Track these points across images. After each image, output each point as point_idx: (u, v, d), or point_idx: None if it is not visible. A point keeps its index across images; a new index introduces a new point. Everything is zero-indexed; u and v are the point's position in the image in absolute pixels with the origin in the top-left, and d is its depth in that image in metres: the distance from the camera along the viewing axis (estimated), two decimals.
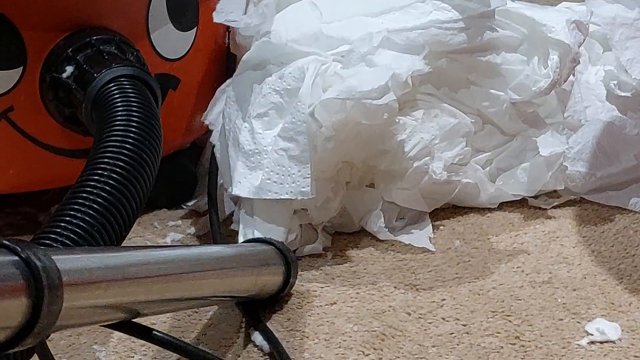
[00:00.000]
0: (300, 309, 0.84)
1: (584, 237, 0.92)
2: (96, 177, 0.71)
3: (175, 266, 0.67)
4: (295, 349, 0.78)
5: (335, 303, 0.84)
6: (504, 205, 0.99)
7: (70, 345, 0.80)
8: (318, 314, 0.83)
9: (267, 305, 0.83)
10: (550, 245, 0.91)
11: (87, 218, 0.68)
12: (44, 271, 0.49)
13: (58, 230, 0.66)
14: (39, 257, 0.49)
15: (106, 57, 0.86)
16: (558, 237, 0.92)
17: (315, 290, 0.86)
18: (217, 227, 0.93)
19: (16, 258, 0.48)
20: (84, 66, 0.86)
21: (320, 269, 0.90)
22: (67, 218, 0.67)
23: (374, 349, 0.77)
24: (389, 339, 0.78)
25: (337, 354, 0.76)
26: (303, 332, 0.80)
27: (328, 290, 0.86)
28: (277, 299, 0.84)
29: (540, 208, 0.98)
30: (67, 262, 0.52)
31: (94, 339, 0.81)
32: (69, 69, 0.87)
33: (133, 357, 0.79)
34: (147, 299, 0.63)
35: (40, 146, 0.92)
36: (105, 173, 0.71)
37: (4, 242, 0.49)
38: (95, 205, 0.69)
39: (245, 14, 1.01)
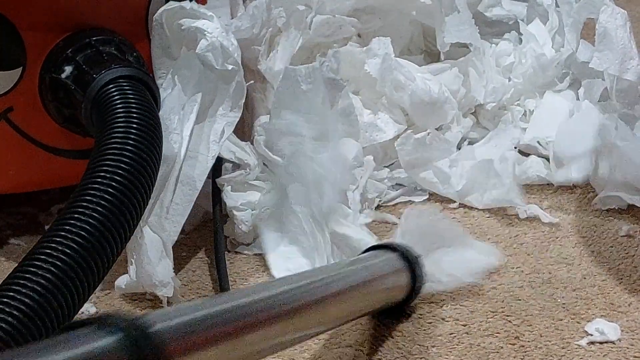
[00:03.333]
0: None
1: (583, 237, 0.92)
2: (98, 181, 0.71)
3: (296, 301, 0.62)
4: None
5: None
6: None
7: None
8: None
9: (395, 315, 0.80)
10: (550, 245, 0.91)
11: (91, 221, 0.68)
12: (149, 354, 0.47)
13: (63, 233, 0.66)
14: (142, 335, 0.47)
15: (106, 57, 0.86)
16: (558, 237, 0.93)
17: None
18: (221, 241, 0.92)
19: (120, 336, 0.46)
20: (84, 67, 0.86)
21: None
22: (72, 221, 0.67)
23: (374, 349, 0.77)
24: (389, 339, 0.78)
25: (337, 353, 0.76)
26: None
27: None
28: (404, 307, 0.80)
29: (541, 208, 0.98)
30: (171, 332, 0.50)
31: None
32: (69, 70, 0.87)
33: None
34: (266, 345, 0.59)
35: (40, 147, 0.92)
36: (107, 176, 0.71)
37: (109, 320, 0.47)
38: (99, 208, 0.69)
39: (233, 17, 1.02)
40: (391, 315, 0.80)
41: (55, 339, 0.46)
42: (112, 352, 0.45)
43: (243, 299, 0.59)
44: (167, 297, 0.84)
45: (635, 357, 0.74)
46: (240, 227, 0.93)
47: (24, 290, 0.62)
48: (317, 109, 0.96)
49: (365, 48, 1.09)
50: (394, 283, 0.78)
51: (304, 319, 0.63)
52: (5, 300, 0.61)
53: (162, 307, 0.84)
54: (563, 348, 0.75)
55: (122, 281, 0.85)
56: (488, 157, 1.01)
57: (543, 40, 1.17)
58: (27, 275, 0.63)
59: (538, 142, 1.09)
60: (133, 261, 0.83)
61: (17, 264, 0.66)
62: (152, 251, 0.83)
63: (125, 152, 0.74)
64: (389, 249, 0.80)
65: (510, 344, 0.76)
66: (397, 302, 0.79)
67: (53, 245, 0.65)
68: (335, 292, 0.68)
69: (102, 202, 0.69)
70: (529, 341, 0.77)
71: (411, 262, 0.79)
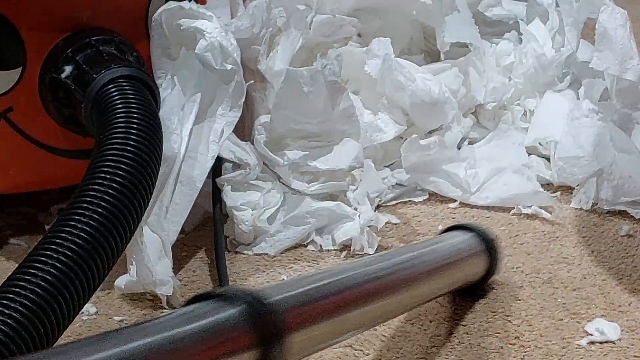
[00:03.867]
0: None
1: (584, 237, 0.92)
2: (99, 182, 0.71)
3: (393, 278, 0.67)
4: None
5: None
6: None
7: None
8: None
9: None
10: (550, 245, 0.91)
11: (92, 222, 0.68)
12: (270, 323, 0.50)
13: (63, 234, 0.66)
14: (263, 306, 0.50)
15: (106, 57, 0.86)
16: (558, 237, 0.93)
17: None
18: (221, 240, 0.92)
19: (242, 308, 0.49)
20: (84, 67, 0.86)
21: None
22: (72, 222, 0.67)
23: (374, 349, 0.77)
24: (388, 339, 0.78)
25: (337, 353, 0.76)
26: None
27: None
28: (480, 287, 0.84)
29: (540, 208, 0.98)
30: (287, 303, 0.53)
31: None
32: (69, 70, 0.87)
33: None
34: (366, 319, 0.63)
35: (40, 147, 0.92)
36: (108, 177, 0.71)
37: (230, 292, 0.50)
38: (99, 209, 0.69)
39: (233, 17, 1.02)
40: (467, 295, 0.83)
41: (182, 312, 0.49)
42: (236, 323, 0.48)
43: (353, 271, 0.63)
44: (167, 296, 0.84)
45: (635, 357, 0.74)
46: (240, 227, 0.93)
47: (24, 292, 0.62)
48: (318, 111, 0.96)
49: (365, 48, 1.09)
50: (473, 263, 0.81)
51: (407, 293, 0.69)
52: (5, 301, 0.61)
53: (162, 306, 0.84)
54: (563, 348, 0.75)
55: (121, 281, 0.85)
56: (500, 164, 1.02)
57: (543, 40, 1.17)
58: (27, 277, 0.63)
59: (539, 142, 1.09)
60: (133, 261, 0.83)
61: (17, 264, 0.66)
62: (151, 251, 0.83)
63: (125, 153, 0.74)
64: (466, 229, 0.83)
65: (510, 344, 0.76)
66: (474, 282, 0.83)
67: (54, 246, 0.65)
68: (428, 269, 0.73)
69: (103, 203, 0.69)
70: (529, 341, 0.77)
71: (488, 243, 0.82)
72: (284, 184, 0.98)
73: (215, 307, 0.49)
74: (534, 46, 1.16)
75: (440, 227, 0.96)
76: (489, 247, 0.83)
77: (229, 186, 0.95)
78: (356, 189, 0.98)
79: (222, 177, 0.95)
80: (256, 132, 0.98)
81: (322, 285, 0.59)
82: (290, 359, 0.52)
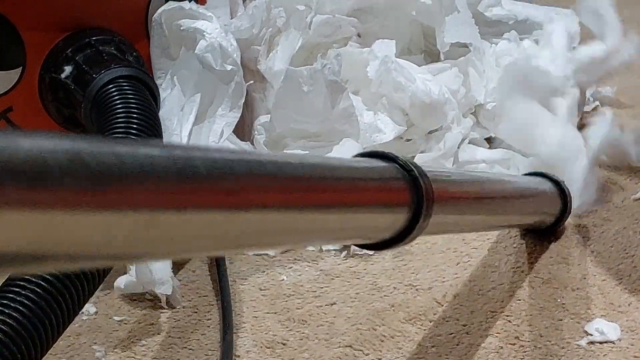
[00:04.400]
0: (301, 309, 0.84)
1: (583, 237, 0.92)
2: None
3: (495, 188, 0.76)
4: (295, 350, 0.78)
5: (335, 303, 0.84)
6: None
7: (69, 345, 0.80)
8: (318, 314, 0.83)
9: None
10: (550, 245, 0.91)
11: None
12: (425, 190, 0.56)
13: None
14: (421, 174, 0.56)
15: (105, 57, 0.86)
16: (558, 237, 0.93)
17: (315, 291, 0.86)
18: None
19: (401, 170, 0.55)
20: (83, 67, 0.86)
21: (321, 269, 0.90)
22: None
23: (374, 349, 0.77)
24: (388, 339, 0.78)
25: (337, 353, 0.76)
26: (303, 332, 0.80)
27: (328, 291, 0.86)
28: (553, 230, 0.92)
29: None
30: (437, 180, 0.59)
31: (94, 339, 0.81)
32: (68, 70, 0.87)
33: (133, 357, 0.79)
34: (476, 216, 0.72)
35: None
36: None
37: (394, 156, 0.56)
38: None
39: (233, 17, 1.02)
40: (540, 236, 0.91)
41: (354, 161, 0.55)
42: (399, 179, 0.55)
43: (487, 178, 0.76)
44: (166, 295, 0.84)
45: (635, 357, 0.74)
46: None
47: (24, 292, 0.62)
48: (318, 110, 0.96)
49: (367, 49, 1.09)
50: (549, 205, 0.90)
51: (497, 204, 0.77)
52: (5, 301, 0.61)
53: (162, 306, 0.84)
54: (563, 348, 0.75)
55: (121, 281, 0.85)
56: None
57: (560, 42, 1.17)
58: (27, 277, 0.63)
59: None
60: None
61: None
62: None
63: None
64: (544, 176, 0.91)
65: (510, 343, 0.76)
66: (546, 225, 0.91)
67: None
68: (518, 192, 0.82)
69: None
70: (529, 341, 0.77)
71: (563, 192, 0.90)
72: None
73: (377, 162, 0.56)
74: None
75: None
76: (563, 195, 0.90)
77: None
78: None
79: None
80: (256, 132, 0.98)
81: (458, 176, 0.69)
82: (424, 229, 0.57)
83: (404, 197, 0.55)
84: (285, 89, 0.95)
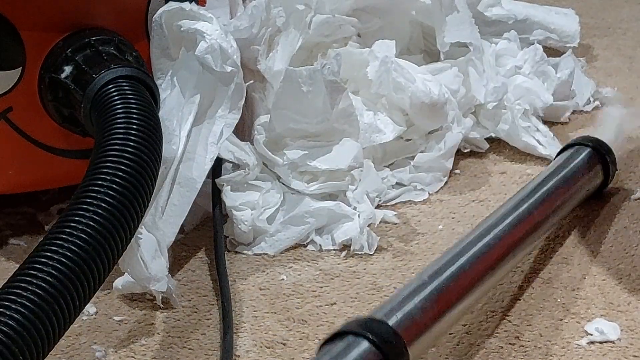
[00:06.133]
0: (300, 309, 0.84)
1: (583, 237, 0.92)
2: (99, 183, 0.71)
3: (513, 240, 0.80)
4: (296, 349, 0.78)
5: (335, 303, 0.84)
6: None
7: (69, 345, 0.80)
8: (318, 314, 0.83)
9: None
10: (550, 245, 0.91)
11: (92, 223, 0.68)
12: (394, 353, 0.62)
13: (64, 235, 0.66)
14: (388, 340, 0.62)
15: (105, 57, 0.86)
16: (557, 237, 0.93)
17: (315, 290, 0.86)
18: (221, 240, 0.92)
19: (369, 345, 0.61)
20: (83, 67, 0.86)
21: (320, 269, 0.90)
22: (73, 223, 0.67)
23: None
24: None
25: None
26: (303, 332, 0.80)
27: (328, 290, 0.86)
28: (598, 195, 0.98)
29: None
30: (404, 323, 0.65)
31: (94, 339, 0.81)
32: (68, 70, 0.87)
33: (133, 357, 0.79)
34: (487, 287, 0.76)
35: (39, 146, 0.92)
36: (108, 178, 0.71)
37: (356, 330, 0.62)
38: (100, 210, 0.69)
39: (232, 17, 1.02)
40: (589, 200, 0.96)
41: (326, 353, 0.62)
42: (370, 355, 0.61)
43: (455, 263, 0.73)
44: (164, 296, 0.84)
45: (635, 356, 0.74)
46: (239, 227, 0.93)
47: (25, 293, 0.62)
48: (317, 110, 0.96)
49: (367, 50, 1.09)
50: (591, 178, 0.95)
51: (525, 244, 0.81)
52: (7, 302, 0.61)
53: (162, 306, 0.84)
54: (563, 348, 0.75)
55: (119, 282, 0.86)
56: None
57: None
58: (29, 278, 0.63)
59: (538, 142, 1.09)
60: (126, 258, 0.83)
61: (17, 264, 0.66)
62: (146, 250, 0.83)
63: (125, 153, 0.74)
64: (582, 145, 0.96)
65: (510, 343, 0.76)
66: (593, 191, 0.96)
67: (55, 247, 0.65)
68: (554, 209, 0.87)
69: (104, 204, 0.69)
70: (529, 341, 0.77)
71: (602, 154, 0.95)
72: (283, 184, 0.98)
73: (350, 346, 0.62)
74: None
75: (440, 227, 0.96)
76: (604, 159, 0.95)
77: (229, 186, 0.95)
78: (355, 188, 0.98)
79: (222, 177, 0.95)
80: (256, 132, 0.98)
81: (431, 292, 0.69)
82: None
83: None
84: (285, 89, 0.95)
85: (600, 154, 0.95)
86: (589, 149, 0.95)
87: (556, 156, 0.98)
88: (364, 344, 0.61)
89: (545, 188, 0.87)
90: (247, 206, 0.94)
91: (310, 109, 0.96)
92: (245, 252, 0.94)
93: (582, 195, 0.94)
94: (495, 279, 0.77)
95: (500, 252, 0.77)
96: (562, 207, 0.89)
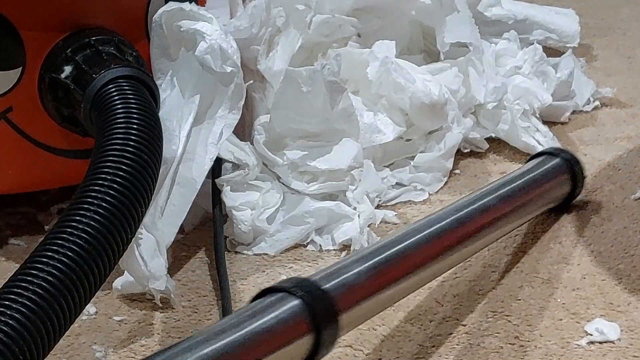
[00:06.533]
0: None
1: (583, 237, 0.92)
2: (99, 183, 0.71)
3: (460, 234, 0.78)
4: None
5: None
6: None
7: (69, 345, 0.80)
8: None
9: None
10: (550, 245, 0.91)
11: (92, 223, 0.68)
12: (324, 312, 0.61)
13: (64, 235, 0.66)
14: (318, 299, 0.61)
15: (105, 57, 0.86)
16: (558, 237, 0.93)
17: None
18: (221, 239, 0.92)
19: (299, 302, 0.61)
20: (83, 67, 0.86)
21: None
22: (74, 223, 0.67)
23: (374, 349, 0.77)
24: (388, 339, 0.78)
25: (337, 353, 0.76)
26: None
27: None
28: (564, 208, 0.95)
29: None
30: (339, 288, 0.65)
31: (94, 339, 0.81)
32: (68, 70, 0.87)
33: (133, 357, 0.79)
34: (431, 272, 0.74)
35: (39, 146, 0.92)
36: (109, 178, 0.71)
37: (297, 286, 0.61)
38: (100, 210, 0.69)
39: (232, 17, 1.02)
40: (555, 210, 0.95)
41: (248, 309, 0.60)
42: (296, 316, 0.60)
43: (402, 243, 0.72)
44: (163, 296, 0.84)
45: (635, 356, 0.74)
46: (239, 227, 0.93)
47: (26, 293, 0.62)
48: (317, 111, 0.96)
49: (367, 50, 1.09)
50: (557, 188, 0.93)
51: (473, 243, 0.79)
52: (7, 302, 0.61)
53: (162, 306, 0.84)
54: (563, 348, 0.75)
55: (119, 282, 0.86)
56: None
57: None
58: (29, 278, 0.63)
59: (538, 142, 1.09)
60: (126, 258, 0.83)
61: (17, 264, 0.66)
62: (145, 249, 0.83)
63: (126, 153, 0.74)
64: (550, 154, 0.94)
65: (510, 344, 0.76)
66: (559, 202, 0.95)
67: (55, 247, 0.65)
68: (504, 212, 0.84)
69: (104, 204, 0.69)
70: (528, 341, 0.77)
71: (571, 165, 0.94)
72: (283, 184, 0.98)
73: (277, 303, 0.61)
74: None
75: None
76: (572, 170, 0.94)
77: (228, 187, 0.95)
78: (355, 188, 0.98)
79: (221, 177, 0.95)
80: (256, 132, 0.98)
81: (374, 263, 0.68)
82: (340, 335, 0.63)
83: (302, 329, 0.61)
84: (285, 89, 0.95)
85: (569, 165, 0.94)
86: (558, 159, 0.94)
87: (526, 162, 0.97)
88: (294, 301, 0.61)
89: (507, 188, 0.86)
90: (246, 206, 0.94)
91: (310, 109, 0.96)
92: (245, 252, 0.94)
93: (545, 201, 0.92)
94: (441, 266, 0.76)
95: (451, 240, 0.76)
96: (521, 208, 0.87)
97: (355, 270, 0.67)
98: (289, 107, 0.96)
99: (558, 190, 0.94)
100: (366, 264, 0.68)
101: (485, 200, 0.82)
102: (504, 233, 0.86)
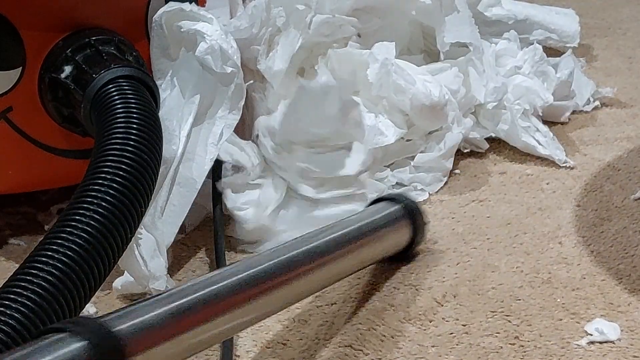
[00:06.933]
0: (300, 309, 0.84)
1: (583, 237, 0.92)
2: (99, 182, 0.71)
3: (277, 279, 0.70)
4: (295, 350, 0.78)
5: (335, 303, 0.84)
6: (503, 205, 1.00)
7: None
8: (318, 314, 0.83)
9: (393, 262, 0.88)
10: (550, 245, 0.91)
11: (92, 222, 0.68)
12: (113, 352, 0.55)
13: (64, 235, 0.66)
14: (104, 340, 0.55)
15: (105, 57, 0.86)
16: (557, 237, 0.93)
17: None
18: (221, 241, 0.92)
19: (84, 343, 0.54)
20: (83, 67, 0.86)
21: None
22: (73, 223, 0.67)
23: (374, 349, 0.77)
24: (388, 339, 0.78)
25: (337, 353, 0.76)
26: (303, 332, 0.80)
27: (328, 290, 0.86)
28: (404, 257, 0.89)
29: (540, 209, 0.98)
30: (131, 331, 0.57)
31: None
32: (68, 70, 0.87)
33: None
34: (242, 320, 0.66)
35: (39, 146, 0.92)
36: (108, 177, 0.71)
37: (67, 326, 0.54)
38: (100, 210, 0.69)
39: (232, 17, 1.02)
40: (395, 260, 0.89)
41: (27, 348, 0.53)
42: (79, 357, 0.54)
43: (202, 290, 0.64)
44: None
45: (635, 356, 0.74)
46: (244, 226, 0.93)
47: (25, 293, 0.62)
48: (329, 120, 0.96)
49: (367, 52, 1.09)
50: (395, 235, 0.86)
51: (292, 289, 0.72)
52: (7, 302, 0.61)
53: None
54: (562, 348, 0.75)
55: (119, 282, 0.86)
56: None
57: None
58: (29, 277, 0.63)
59: (538, 142, 1.09)
60: (125, 258, 0.83)
61: (16, 264, 0.66)
62: (145, 249, 0.83)
63: (125, 153, 0.74)
64: (392, 200, 0.88)
65: (510, 344, 0.76)
66: (399, 250, 0.88)
67: (55, 246, 0.66)
68: (336, 255, 0.77)
69: (104, 204, 0.69)
70: (528, 341, 0.77)
71: (412, 213, 0.87)
72: (291, 189, 0.98)
73: (60, 342, 0.54)
74: None
75: (440, 228, 0.96)
76: (413, 216, 0.87)
77: (229, 189, 0.95)
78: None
79: (222, 180, 0.95)
80: (261, 135, 0.98)
81: (170, 308, 0.61)
82: None
83: None
84: (298, 101, 0.95)
85: (410, 213, 0.88)
86: (399, 206, 0.87)
87: (366, 206, 0.90)
88: (79, 342, 0.54)
89: (339, 232, 0.79)
90: (248, 204, 0.94)
91: (322, 119, 0.96)
92: (248, 251, 0.94)
93: (380, 250, 0.85)
94: (253, 316, 0.68)
95: (264, 288, 0.69)
96: (351, 254, 0.80)
97: (154, 314, 0.60)
98: (301, 118, 0.96)
99: (394, 239, 0.86)
100: (167, 308, 0.61)
101: (313, 244, 0.75)
102: (334, 280, 0.79)
